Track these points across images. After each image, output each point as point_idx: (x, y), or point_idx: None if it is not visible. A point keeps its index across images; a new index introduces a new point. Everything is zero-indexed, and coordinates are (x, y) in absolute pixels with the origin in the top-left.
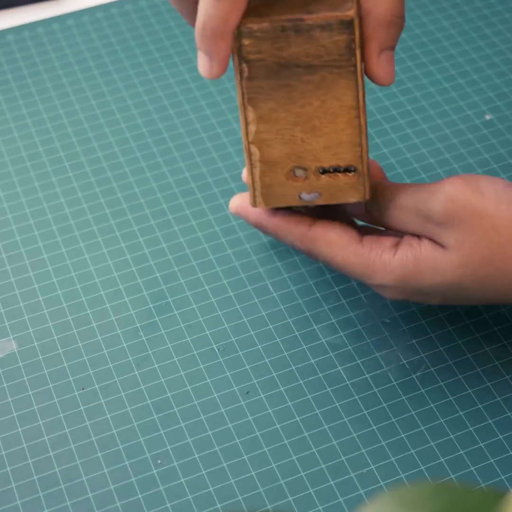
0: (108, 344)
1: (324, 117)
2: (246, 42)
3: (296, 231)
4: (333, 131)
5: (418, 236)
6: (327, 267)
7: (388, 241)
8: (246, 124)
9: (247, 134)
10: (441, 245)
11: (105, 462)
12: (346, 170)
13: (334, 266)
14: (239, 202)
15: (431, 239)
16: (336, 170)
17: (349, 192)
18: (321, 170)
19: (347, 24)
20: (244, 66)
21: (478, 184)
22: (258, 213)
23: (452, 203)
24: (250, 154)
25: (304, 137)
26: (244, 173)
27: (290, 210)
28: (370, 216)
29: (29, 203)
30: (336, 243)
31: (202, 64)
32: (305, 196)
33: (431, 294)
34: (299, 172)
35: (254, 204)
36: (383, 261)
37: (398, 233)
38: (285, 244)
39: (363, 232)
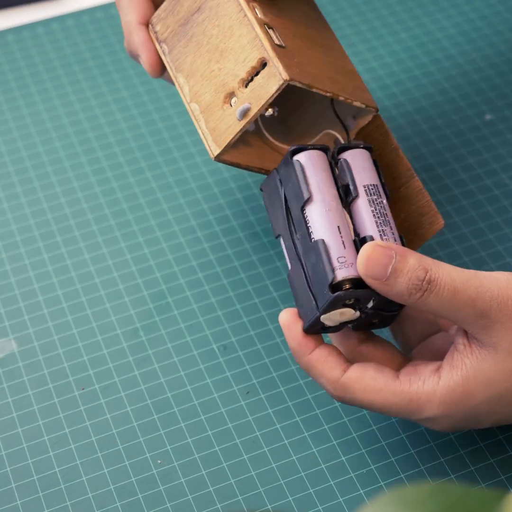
0: (108, 344)
1: (224, 36)
2: (158, 28)
3: (328, 375)
4: (234, 42)
5: (458, 348)
6: (366, 411)
7: (426, 369)
8: (181, 88)
9: (185, 96)
10: (490, 347)
11: (105, 462)
12: (262, 67)
13: (373, 410)
14: (286, 318)
15: (477, 339)
16: (256, 74)
17: (268, 83)
18: (245, 84)
19: None
20: (164, 45)
21: None
22: (296, 341)
23: (506, 307)
24: (193, 112)
25: (219, 65)
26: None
27: (328, 348)
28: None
29: (29, 203)
30: (372, 387)
31: (144, 67)
32: (238, 112)
33: (484, 414)
34: (233, 100)
35: (212, 155)
36: (427, 392)
37: (435, 357)
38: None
39: (400, 362)
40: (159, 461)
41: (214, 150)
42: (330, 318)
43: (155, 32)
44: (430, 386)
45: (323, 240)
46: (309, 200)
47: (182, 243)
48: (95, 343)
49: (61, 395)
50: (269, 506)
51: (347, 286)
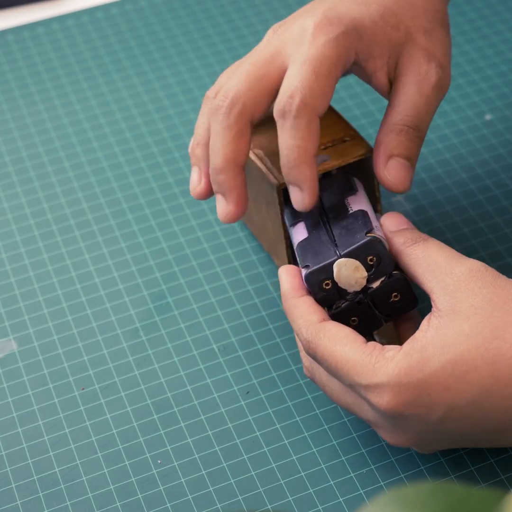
0: (108, 344)
1: None
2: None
3: (308, 317)
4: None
5: (421, 328)
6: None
7: (392, 345)
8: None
9: (252, 148)
10: (450, 312)
11: (105, 462)
12: (343, 141)
13: (330, 364)
14: (286, 267)
15: (438, 307)
16: (333, 145)
17: (354, 149)
18: (322, 147)
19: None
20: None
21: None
22: (291, 284)
23: (478, 271)
24: (255, 155)
25: None
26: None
27: (317, 303)
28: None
29: (29, 203)
30: (339, 339)
31: (295, 199)
32: (317, 160)
33: (437, 388)
34: None
35: (277, 182)
36: (386, 357)
37: None
38: (293, 329)
39: None
40: (159, 461)
41: (280, 178)
42: (343, 268)
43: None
44: (390, 354)
45: (365, 210)
46: (353, 193)
47: (182, 243)
48: (95, 343)
49: (61, 395)
50: (269, 506)
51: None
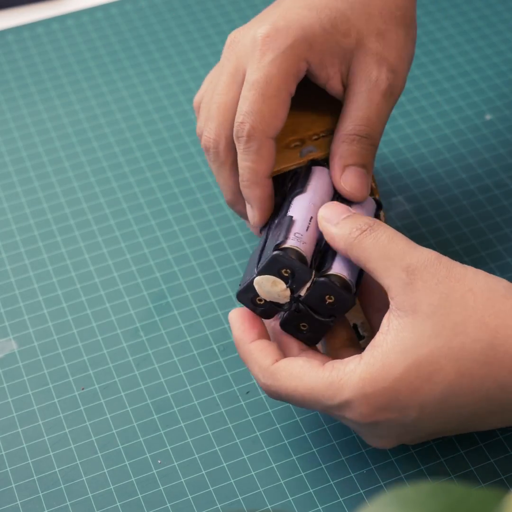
0: (108, 344)
1: (312, 123)
2: None
3: (261, 362)
4: (316, 115)
5: (381, 330)
6: (294, 406)
7: (352, 357)
8: None
9: None
10: (409, 312)
11: (105, 462)
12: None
13: (298, 399)
14: (236, 312)
15: (398, 307)
16: (326, 135)
17: None
18: (315, 137)
19: None
20: None
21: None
22: (241, 330)
23: (432, 266)
24: None
25: (294, 127)
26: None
27: (268, 342)
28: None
29: (29, 203)
30: (297, 373)
31: (249, 215)
32: (302, 151)
33: (405, 393)
34: (296, 143)
35: None
36: (347, 372)
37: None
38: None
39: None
40: (159, 461)
41: None
42: (262, 285)
43: None
44: (351, 367)
45: (291, 216)
46: (300, 192)
47: (182, 243)
48: (95, 343)
49: (61, 395)
50: (269, 506)
51: (290, 254)
